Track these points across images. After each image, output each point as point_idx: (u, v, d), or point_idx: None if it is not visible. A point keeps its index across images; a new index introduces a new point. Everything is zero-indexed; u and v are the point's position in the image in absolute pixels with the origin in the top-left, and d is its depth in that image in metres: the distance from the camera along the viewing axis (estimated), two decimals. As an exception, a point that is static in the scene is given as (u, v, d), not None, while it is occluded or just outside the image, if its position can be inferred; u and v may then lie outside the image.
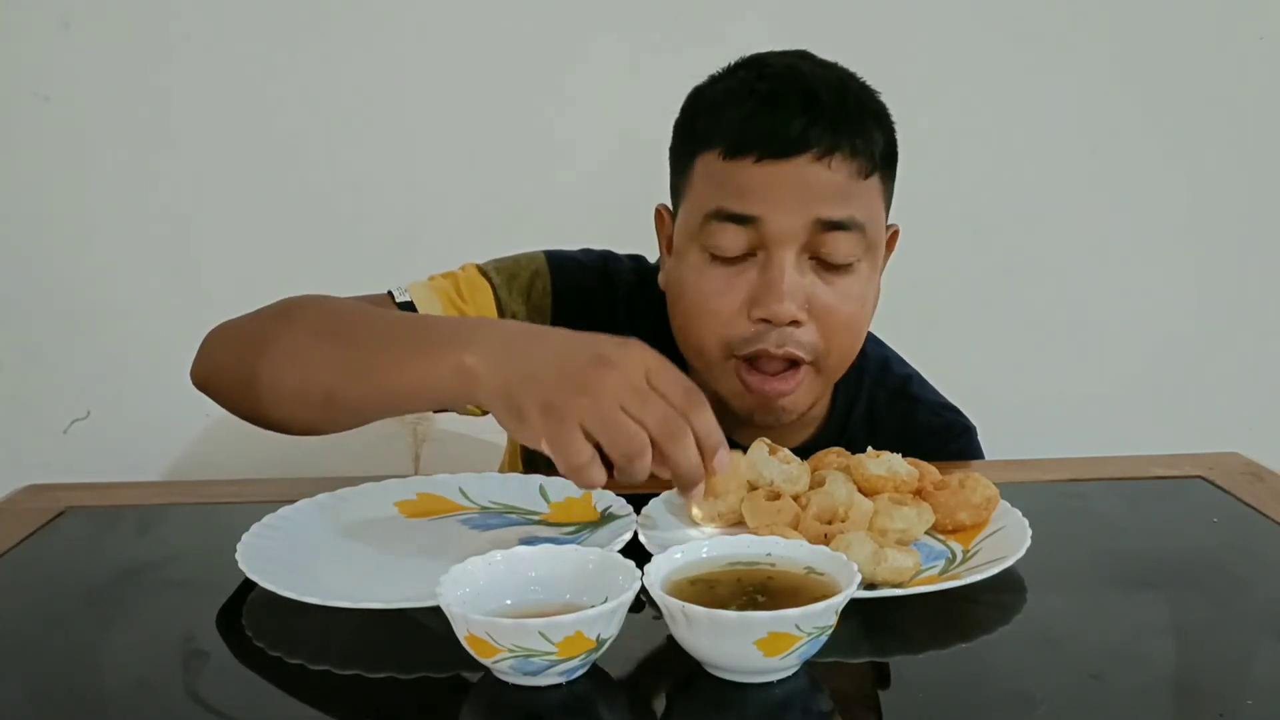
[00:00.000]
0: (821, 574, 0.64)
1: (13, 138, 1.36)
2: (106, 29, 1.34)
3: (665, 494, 0.84)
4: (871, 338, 1.04)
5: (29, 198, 1.37)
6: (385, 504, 0.85)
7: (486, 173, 1.41)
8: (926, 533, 0.78)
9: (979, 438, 1.08)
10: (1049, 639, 0.68)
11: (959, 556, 0.76)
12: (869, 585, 0.69)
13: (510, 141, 1.40)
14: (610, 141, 1.40)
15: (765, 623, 0.57)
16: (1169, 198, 1.49)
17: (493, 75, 1.39)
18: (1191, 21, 1.44)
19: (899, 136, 0.96)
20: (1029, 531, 0.75)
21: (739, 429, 0.93)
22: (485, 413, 1.02)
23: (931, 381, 1.12)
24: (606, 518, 0.81)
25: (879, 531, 0.73)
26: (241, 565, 0.71)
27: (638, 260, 1.10)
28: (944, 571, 0.74)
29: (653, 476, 0.70)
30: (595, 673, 0.61)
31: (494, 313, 1.01)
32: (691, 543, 0.67)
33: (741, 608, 0.60)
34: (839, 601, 0.59)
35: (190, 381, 0.90)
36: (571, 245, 1.09)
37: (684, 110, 0.98)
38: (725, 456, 0.70)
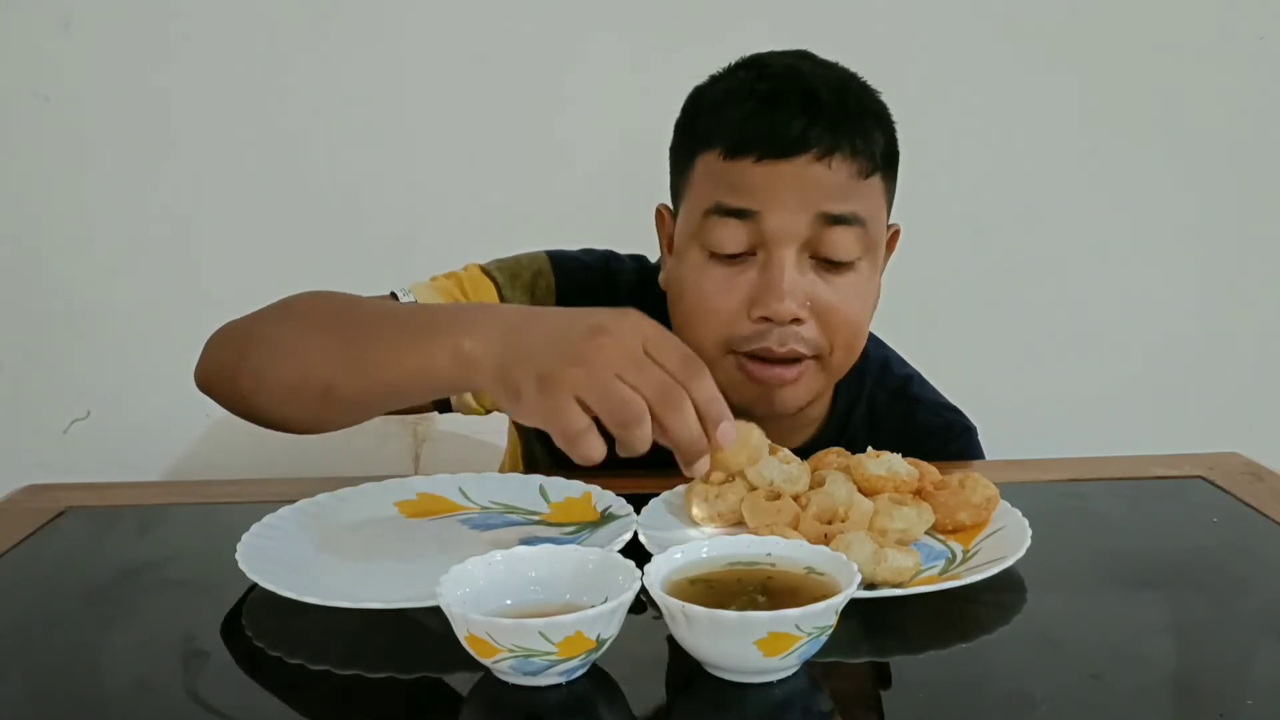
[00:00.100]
0: (821, 574, 0.64)
1: (13, 138, 1.36)
2: (106, 29, 1.35)
3: (665, 494, 0.84)
4: (872, 338, 1.04)
5: (29, 198, 1.38)
6: (385, 504, 0.85)
7: (486, 173, 1.41)
8: (926, 533, 0.78)
9: (979, 438, 1.08)
10: (1049, 639, 0.68)
11: (959, 556, 0.76)
12: (869, 585, 0.69)
13: (510, 142, 1.40)
14: (610, 141, 1.40)
15: (765, 623, 0.57)
16: (1169, 198, 1.49)
17: (493, 75, 1.39)
18: (1191, 21, 1.44)
19: (899, 136, 0.96)
20: (1029, 531, 0.75)
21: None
22: (487, 411, 1.02)
23: (932, 381, 1.12)
24: (606, 518, 0.81)
25: (879, 531, 0.73)
26: (241, 565, 0.71)
27: (639, 260, 1.10)
28: (944, 571, 0.74)
29: (659, 467, 0.68)
30: (595, 673, 0.61)
31: None
32: (691, 543, 0.67)
33: (741, 608, 0.60)
34: (839, 601, 0.59)
35: (192, 383, 0.90)
36: (572, 245, 1.09)
37: (684, 110, 0.98)
38: (730, 429, 0.68)
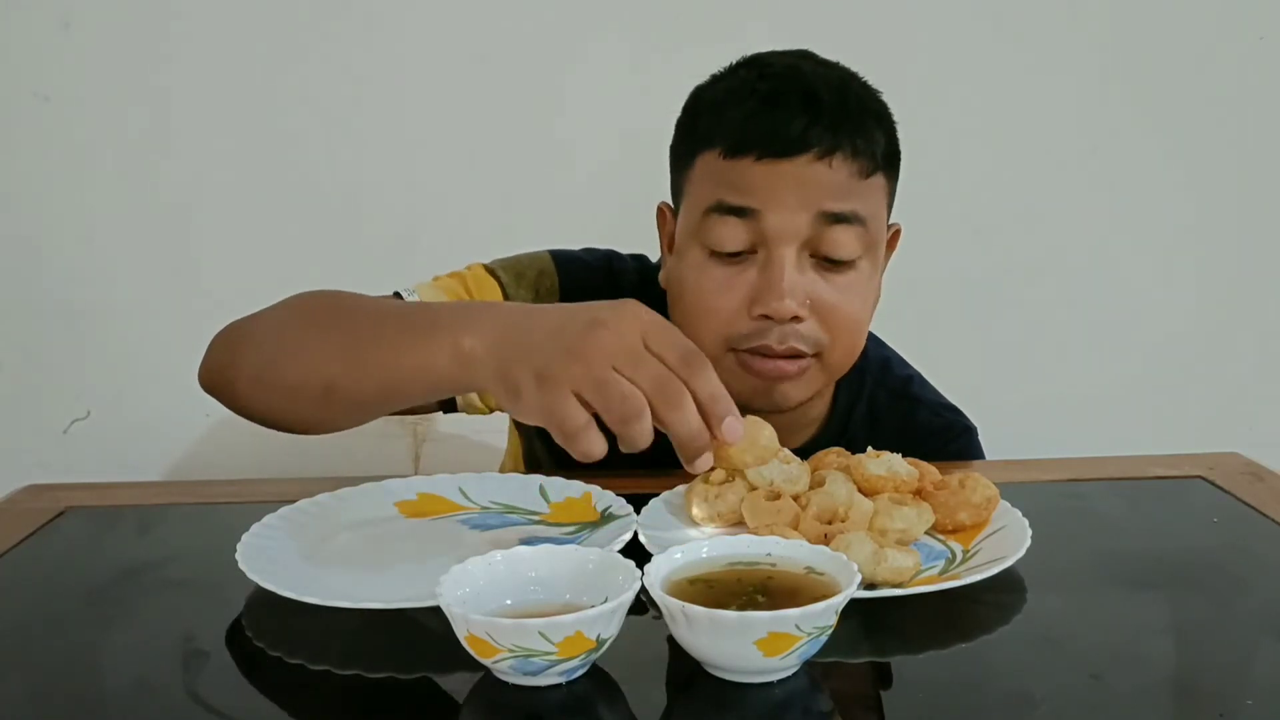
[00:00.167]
0: (821, 574, 0.64)
1: (13, 138, 1.36)
2: (106, 29, 1.35)
3: (665, 494, 0.84)
4: (872, 338, 1.04)
5: (29, 198, 1.38)
6: (385, 504, 0.85)
7: (487, 173, 1.41)
8: (926, 533, 0.78)
9: (979, 438, 1.08)
10: (1049, 639, 0.68)
11: (959, 556, 0.76)
12: (869, 585, 0.69)
13: (511, 141, 1.40)
14: (610, 141, 1.40)
15: (765, 623, 0.57)
16: (1169, 198, 1.49)
17: (493, 75, 1.39)
18: (1191, 21, 1.44)
19: (899, 136, 0.96)
20: (1029, 531, 0.75)
21: None
22: (491, 411, 1.02)
23: (932, 381, 1.12)
24: (606, 518, 0.81)
25: (879, 531, 0.73)
26: (241, 565, 0.71)
27: (640, 260, 1.10)
28: (944, 571, 0.74)
29: (659, 466, 0.67)
30: (595, 673, 0.61)
31: None
32: (691, 543, 0.67)
33: (741, 608, 0.60)
34: (839, 601, 0.59)
35: (192, 383, 0.90)
36: (572, 245, 1.09)
37: (685, 109, 0.98)
38: (736, 424, 0.66)
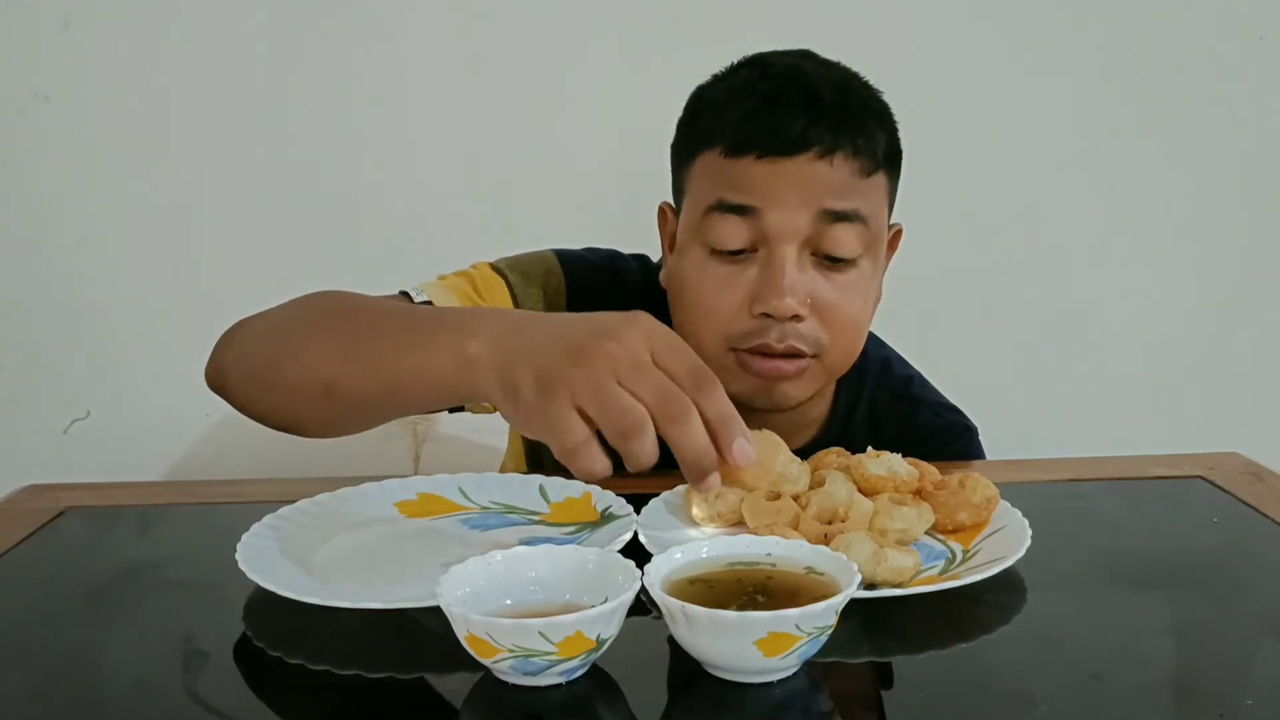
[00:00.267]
0: (821, 574, 0.64)
1: (13, 138, 1.36)
2: (106, 29, 1.35)
3: (665, 494, 0.84)
4: (873, 338, 1.04)
5: (29, 198, 1.38)
6: (385, 504, 0.85)
7: (487, 173, 1.41)
8: (926, 533, 0.78)
9: (980, 438, 1.08)
10: (1049, 639, 0.68)
11: (959, 556, 0.76)
12: (869, 585, 0.69)
13: (511, 141, 1.40)
14: (610, 141, 1.40)
15: (765, 623, 0.57)
16: (1169, 197, 1.49)
17: (493, 75, 1.39)
18: (1191, 21, 1.44)
19: (900, 136, 0.96)
20: (1029, 531, 0.75)
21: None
22: (495, 409, 1.02)
23: (932, 381, 1.12)
24: (606, 518, 0.81)
25: (879, 531, 0.73)
26: (241, 565, 0.71)
27: (642, 260, 1.10)
28: (944, 571, 0.74)
29: (659, 468, 0.65)
30: (595, 673, 0.61)
31: (510, 308, 1.00)
32: (691, 543, 0.67)
33: (741, 608, 0.60)
34: (839, 601, 0.59)
35: (192, 383, 0.90)
36: (572, 245, 1.09)
37: (686, 109, 0.98)
38: (748, 448, 0.63)
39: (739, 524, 0.78)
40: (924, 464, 0.83)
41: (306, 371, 0.79)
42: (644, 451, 0.61)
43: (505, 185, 1.41)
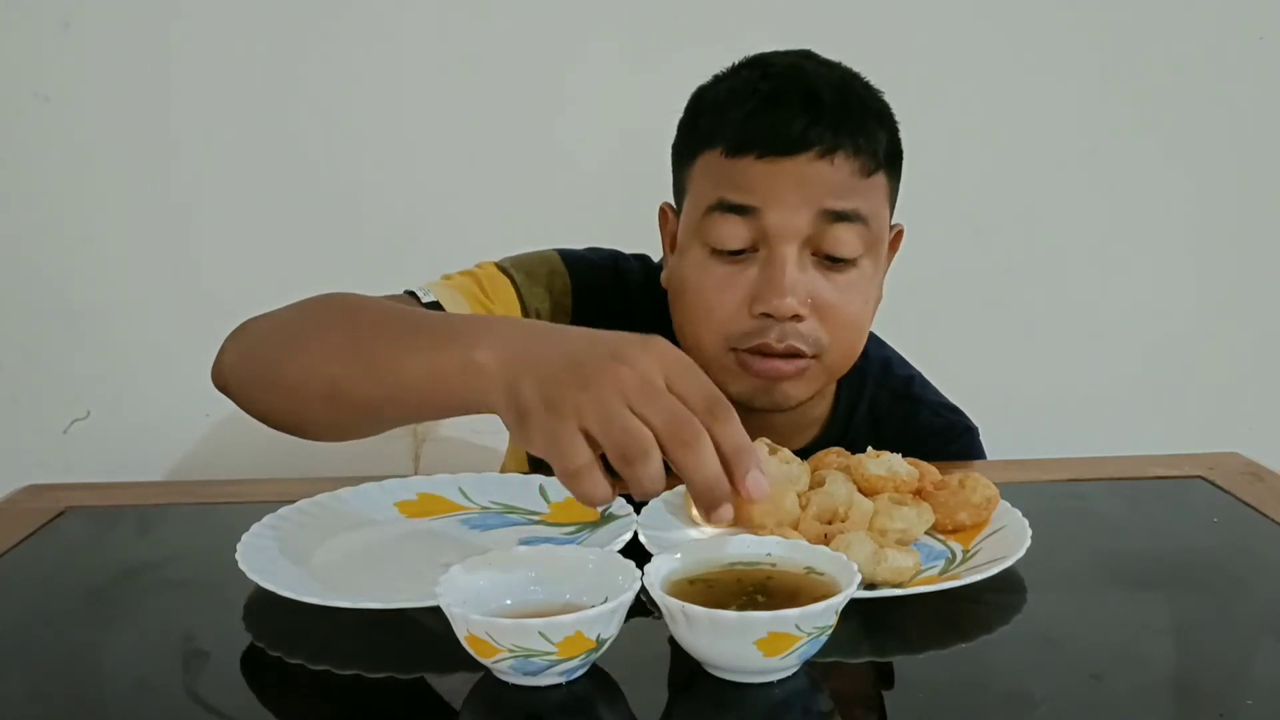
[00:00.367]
0: (821, 574, 0.64)
1: (13, 138, 1.36)
2: (106, 29, 1.35)
3: (665, 494, 0.83)
4: (873, 338, 1.05)
5: (29, 198, 1.38)
6: (385, 504, 0.85)
7: (487, 173, 1.41)
8: (926, 533, 0.78)
9: (980, 438, 1.08)
10: (1049, 639, 0.68)
11: (959, 556, 0.76)
12: (869, 585, 0.69)
13: (511, 142, 1.40)
14: (610, 141, 1.40)
15: (765, 623, 0.57)
16: (1169, 197, 1.49)
17: (493, 75, 1.39)
18: (1191, 21, 1.44)
19: (900, 135, 0.96)
20: (1029, 531, 0.75)
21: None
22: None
23: (932, 381, 1.12)
24: (606, 518, 0.81)
25: (879, 531, 0.73)
26: (241, 565, 0.71)
27: (643, 260, 1.10)
28: (944, 571, 0.74)
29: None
30: (595, 673, 0.61)
31: (517, 308, 1.00)
32: (691, 543, 0.67)
33: (741, 608, 0.60)
34: (839, 601, 0.59)
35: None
36: (573, 245, 1.09)
37: (687, 109, 0.99)
38: (762, 480, 0.60)
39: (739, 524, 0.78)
40: (924, 464, 0.83)
41: (310, 374, 0.77)
42: (648, 477, 0.59)
43: (505, 185, 1.41)
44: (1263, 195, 1.50)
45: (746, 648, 0.58)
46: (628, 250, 1.10)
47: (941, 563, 0.75)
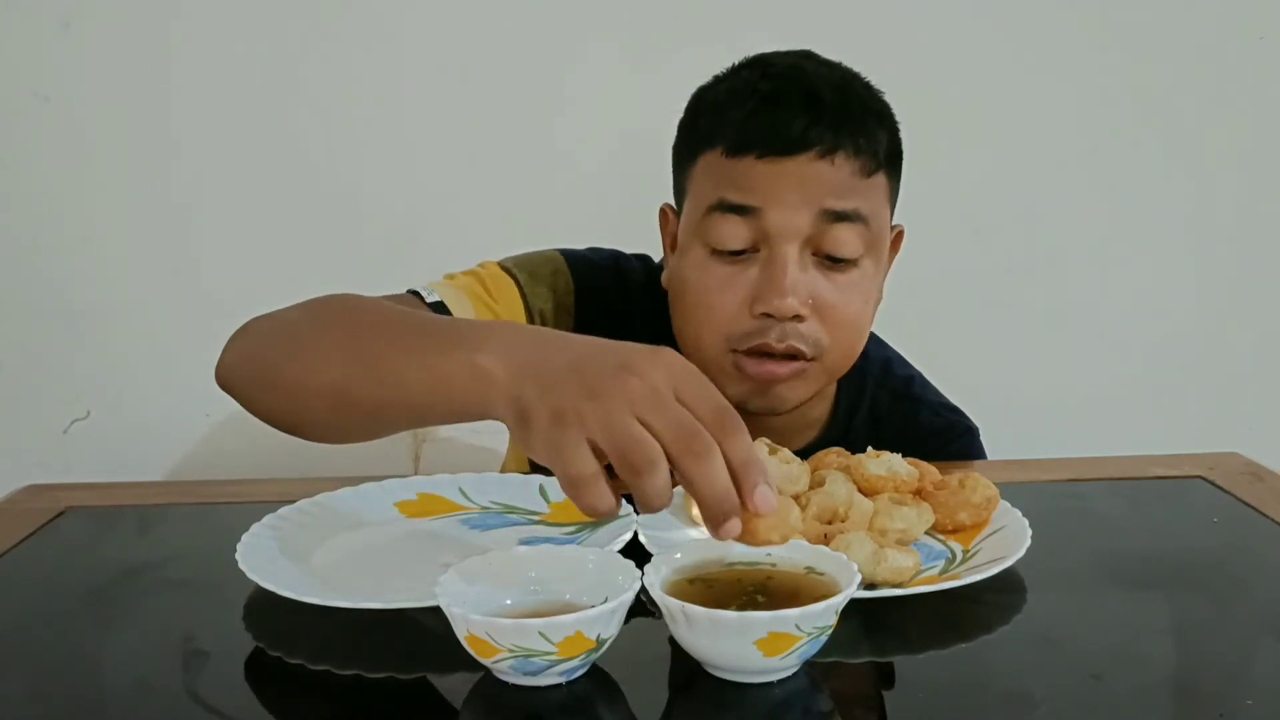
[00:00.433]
0: (821, 574, 0.64)
1: (13, 138, 1.36)
2: (106, 29, 1.35)
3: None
4: (874, 338, 1.05)
5: (29, 198, 1.38)
6: (385, 504, 0.85)
7: (487, 173, 1.41)
8: (926, 533, 0.78)
9: (981, 439, 1.08)
10: (1049, 639, 0.68)
11: (959, 556, 0.76)
12: (869, 585, 0.69)
13: (511, 142, 1.40)
14: (610, 142, 1.40)
15: (765, 623, 0.57)
16: (1169, 197, 1.49)
17: (493, 76, 1.39)
18: (1191, 21, 1.44)
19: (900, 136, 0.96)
20: (1029, 531, 0.75)
21: None
22: None
23: (933, 382, 1.12)
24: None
25: (879, 531, 0.73)
26: (241, 565, 0.71)
27: (644, 260, 1.10)
28: (944, 571, 0.74)
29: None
30: (595, 673, 0.61)
31: (521, 308, 1.00)
32: (691, 543, 0.67)
33: (741, 608, 0.60)
34: (839, 601, 0.59)
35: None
36: (573, 245, 1.09)
37: (688, 109, 0.99)
38: (770, 494, 0.59)
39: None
40: (924, 464, 0.83)
41: (313, 377, 0.76)
42: (655, 489, 0.58)
43: (505, 185, 1.41)
44: (1263, 195, 1.50)
45: (746, 648, 0.58)
46: (628, 250, 1.10)
47: (941, 563, 0.75)
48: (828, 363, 0.95)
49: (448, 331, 0.71)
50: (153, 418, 1.41)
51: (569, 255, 1.05)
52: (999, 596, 0.72)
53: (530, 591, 0.65)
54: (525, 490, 0.87)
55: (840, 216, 0.90)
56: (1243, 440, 1.03)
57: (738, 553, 0.67)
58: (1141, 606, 0.73)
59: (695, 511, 0.79)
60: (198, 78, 1.36)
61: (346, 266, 1.36)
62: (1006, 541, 0.75)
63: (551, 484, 0.87)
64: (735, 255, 0.92)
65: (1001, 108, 1.44)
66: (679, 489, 0.72)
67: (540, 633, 0.57)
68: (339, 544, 0.79)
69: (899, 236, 1.00)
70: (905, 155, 0.97)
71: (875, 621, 0.68)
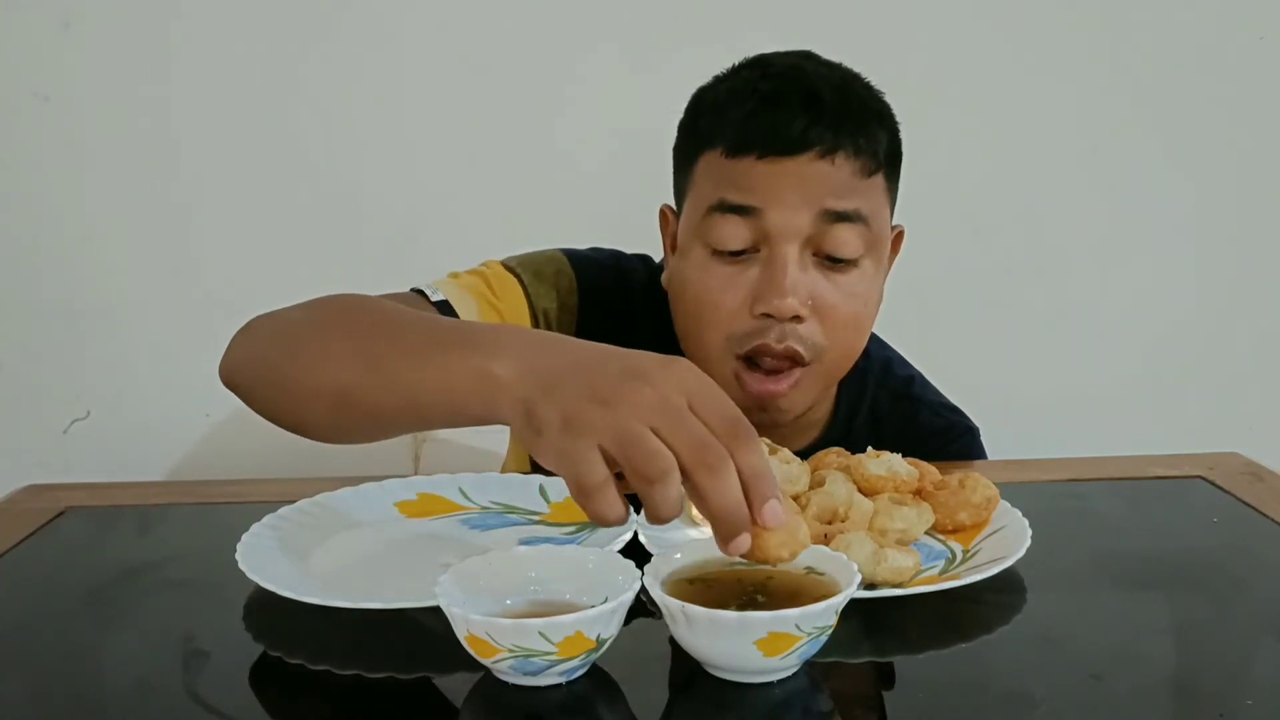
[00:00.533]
0: (821, 574, 0.64)
1: (13, 138, 1.36)
2: (106, 29, 1.35)
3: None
4: (874, 339, 1.04)
5: (29, 198, 1.38)
6: (385, 504, 0.85)
7: (487, 174, 1.41)
8: (926, 533, 0.78)
9: (981, 439, 1.08)
10: (1049, 639, 0.68)
11: (959, 556, 0.76)
12: (869, 585, 0.69)
13: (511, 142, 1.40)
14: (610, 142, 1.40)
15: (765, 623, 0.57)
16: (1169, 197, 1.49)
17: (493, 76, 1.39)
18: (1191, 21, 1.44)
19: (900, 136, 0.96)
20: (1029, 531, 0.75)
21: None
22: None
23: (933, 382, 1.12)
24: (606, 518, 0.81)
25: (879, 531, 0.73)
26: (241, 565, 0.71)
27: (645, 260, 1.10)
28: (944, 571, 0.74)
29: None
30: (595, 673, 0.61)
31: (525, 308, 1.00)
32: (691, 542, 0.67)
33: (741, 608, 0.60)
34: (839, 601, 0.59)
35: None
36: (572, 245, 1.09)
37: (688, 110, 0.99)
38: (779, 509, 0.58)
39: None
40: (924, 464, 0.83)
41: (319, 379, 0.75)
42: (667, 499, 0.57)
43: (505, 186, 1.41)
44: (1263, 195, 1.50)
45: (746, 648, 0.58)
46: (628, 251, 1.10)
47: (941, 563, 0.75)
48: (827, 364, 0.95)
49: (455, 335, 0.70)
50: (153, 418, 1.41)
51: (572, 255, 1.05)
52: (999, 596, 0.72)
53: (530, 591, 0.65)
54: (525, 490, 0.87)
55: (840, 217, 0.90)
56: (1243, 440, 1.03)
57: (738, 553, 0.67)
58: (1141, 606, 0.73)
59: (695, 511, 0.79)
60: (198, 78, 1.36)
61: (347, 266, 1.36)
62: (1006, 541, 0.75)
63: (551, 484, 0.87)
64: (735, 256, 0.92)
65: (1001, 108, 1.44)
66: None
67: (540, 633, 0.57)
68: (339, 544, 0.79)
69: (899, 237, 1.00)
70: (905, 155, 0.97)
71: (875, 621, 0.68)
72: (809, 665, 0.62)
